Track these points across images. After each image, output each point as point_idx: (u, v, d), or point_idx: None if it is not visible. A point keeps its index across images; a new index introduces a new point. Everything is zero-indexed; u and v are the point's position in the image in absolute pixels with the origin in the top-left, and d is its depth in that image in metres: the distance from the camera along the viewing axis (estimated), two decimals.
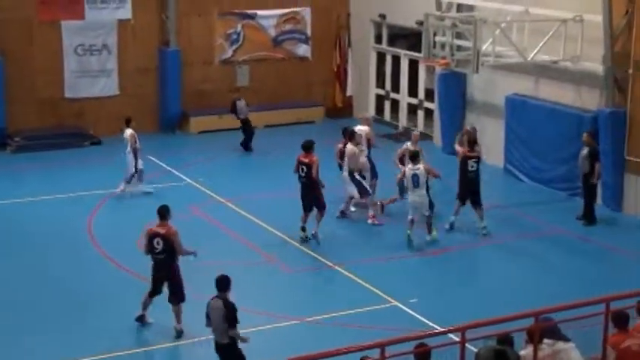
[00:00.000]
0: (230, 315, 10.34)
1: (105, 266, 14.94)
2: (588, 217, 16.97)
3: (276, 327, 12.67)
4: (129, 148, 18.29)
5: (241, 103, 22.17)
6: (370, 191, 16.89)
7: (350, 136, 16.83)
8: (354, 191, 16.76)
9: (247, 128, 22.16)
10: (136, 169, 18.29)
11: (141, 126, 23.52)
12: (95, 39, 23.10)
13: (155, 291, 12.52)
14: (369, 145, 17.44)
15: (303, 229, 15.84)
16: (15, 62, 22.16)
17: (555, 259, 15.50)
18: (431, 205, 16.00)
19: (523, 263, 15.42)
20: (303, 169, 15.51)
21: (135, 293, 13.69)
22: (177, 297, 12.36)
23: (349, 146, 16.70)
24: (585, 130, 17.27)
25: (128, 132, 18.38)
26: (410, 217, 15.68)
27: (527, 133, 19.59)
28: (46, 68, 22.76)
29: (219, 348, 10.61)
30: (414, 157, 15.72)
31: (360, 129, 17.35)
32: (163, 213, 12.42)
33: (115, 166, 20.70)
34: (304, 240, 15.78)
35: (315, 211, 15.73)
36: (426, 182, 15.73)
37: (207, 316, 10.63)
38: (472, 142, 16.47)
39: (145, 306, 12.59)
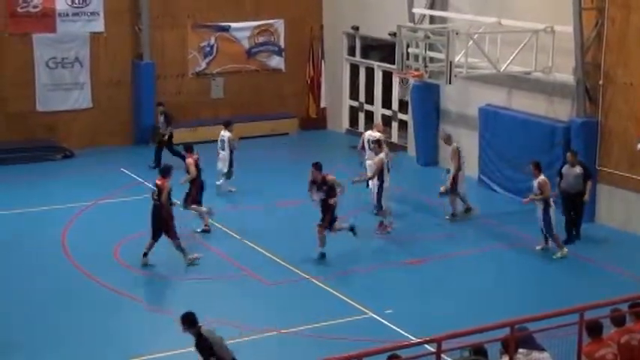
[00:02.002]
0: None
1: (80, 280, 14.84)
2: (578, 234, 16.69)
3: (254, 339, 12.62)
4: (227, 149, 19.03)
5: (160, 118, 21.48)
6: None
7: (189, 149, 17.08)
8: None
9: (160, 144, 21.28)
10: (231, 164, 19.20)
11: (114, 139, 23.57)
12: (67, 52, 22.99)
13: None
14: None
15: (145, 254, 15.25)
16: None
17: (530, 269, 15.57)
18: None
19: (498, 273, 15.48)
20: (155, 191, 15.35)
21: (108, 305, 13.65)
22: None
23: (381, 156, 17.00)
24: (569, 150, 16.90)
25: (227, 134, 19.16)
26: None
27: (501, 143, 19.70)
28: (17, 81, 22.59)
29: None
30: (538, 166, 15.91)
31: (371, 134, 18.27)
32: None
33: (89, 178, 20.61)
34: (145, 265, 15.26)
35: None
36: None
37: None
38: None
39: None
